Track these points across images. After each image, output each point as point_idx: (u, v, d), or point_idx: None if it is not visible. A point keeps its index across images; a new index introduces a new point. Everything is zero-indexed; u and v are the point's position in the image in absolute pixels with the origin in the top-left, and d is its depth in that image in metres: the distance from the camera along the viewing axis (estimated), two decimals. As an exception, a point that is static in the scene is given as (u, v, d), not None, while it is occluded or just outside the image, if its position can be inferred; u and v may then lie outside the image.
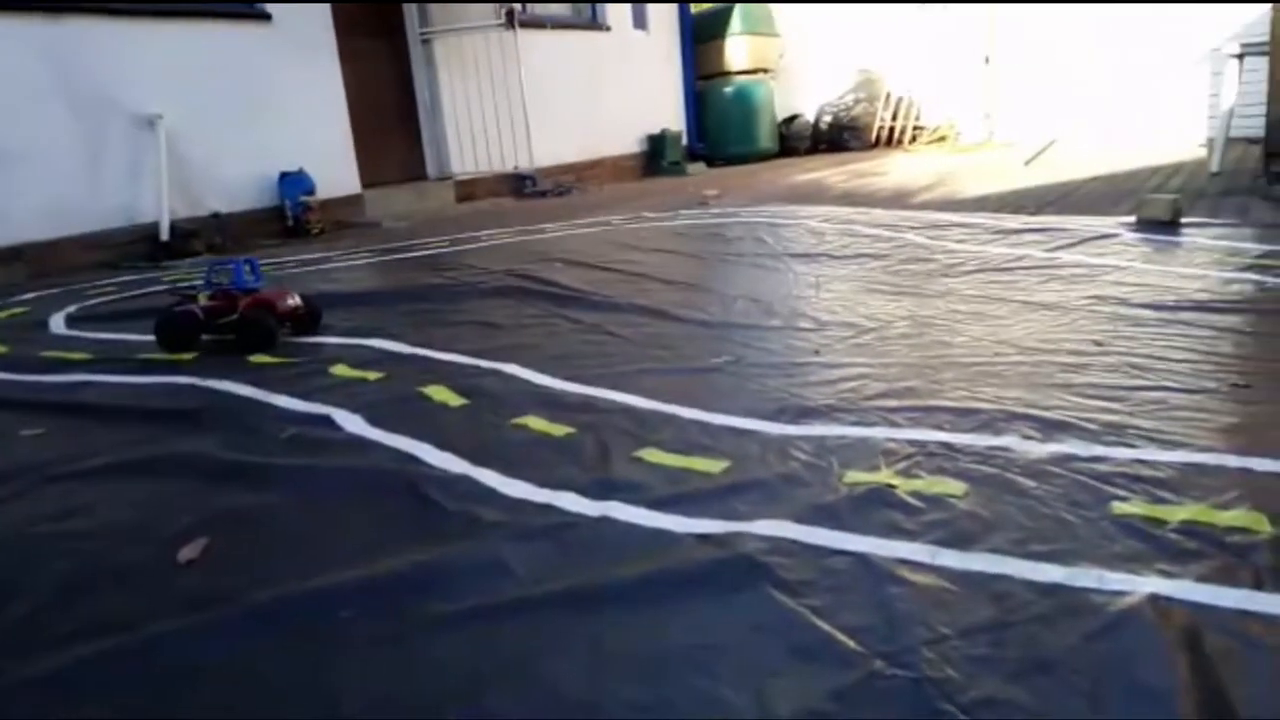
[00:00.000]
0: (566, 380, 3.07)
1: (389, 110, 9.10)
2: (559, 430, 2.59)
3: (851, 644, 1.50)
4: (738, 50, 12.14)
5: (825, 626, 1.56)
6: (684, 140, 11.92)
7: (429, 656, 1.58)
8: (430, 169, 9.48)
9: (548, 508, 2.09)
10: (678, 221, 6.96)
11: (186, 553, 1.98)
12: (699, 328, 3.76)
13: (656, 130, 11.55)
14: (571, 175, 10.31)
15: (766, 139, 12.32)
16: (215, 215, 7.39)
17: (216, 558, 2.00)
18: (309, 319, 3.99)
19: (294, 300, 3.91)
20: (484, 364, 3.34)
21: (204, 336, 3.80)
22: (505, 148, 9.55)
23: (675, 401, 2.81)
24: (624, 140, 11.28)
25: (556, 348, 3.55)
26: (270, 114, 7.72)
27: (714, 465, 2.29)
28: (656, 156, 11.55)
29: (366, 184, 8.53)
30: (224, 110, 7.47)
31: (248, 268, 3.95)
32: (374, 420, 2.74)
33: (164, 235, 6.96)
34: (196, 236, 7.05)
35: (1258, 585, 1.61)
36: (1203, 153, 7.88)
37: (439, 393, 3.00)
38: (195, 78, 7.25)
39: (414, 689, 1.50)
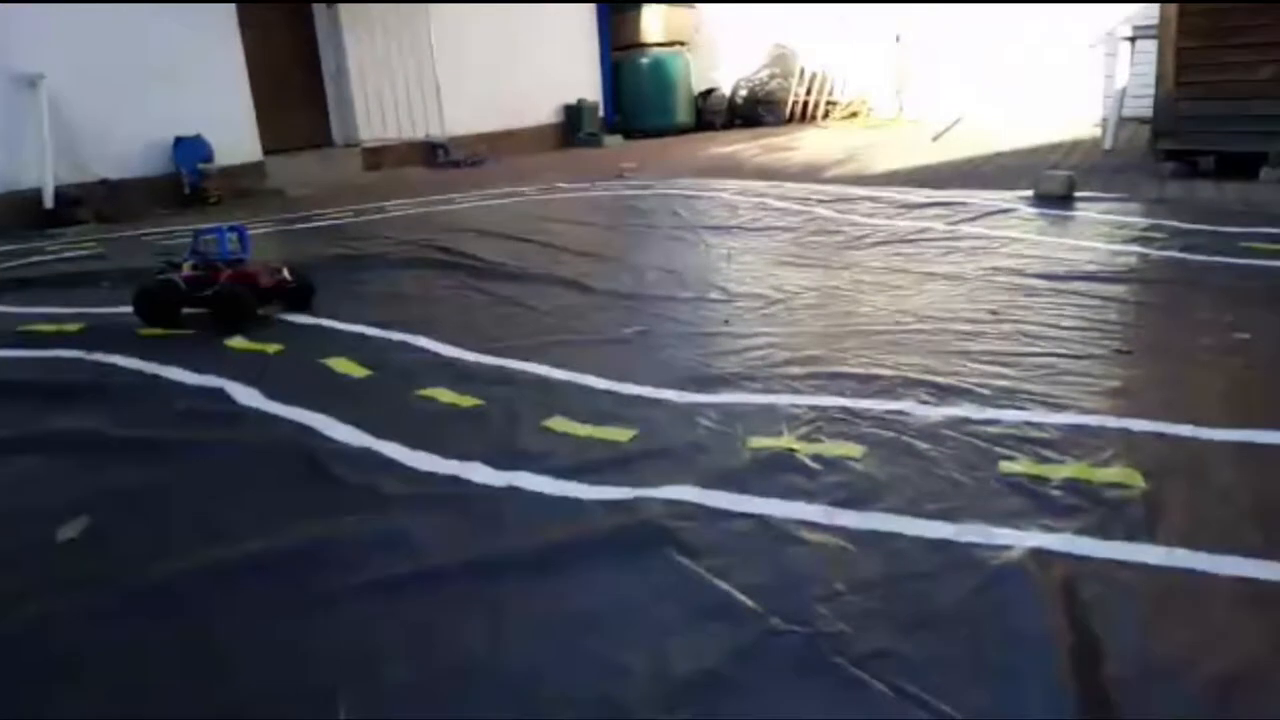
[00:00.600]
0: (477, 352, 3.03)
1: (292, 75, 8.77)
2: (467, 401, 2.56)
3: (749, 603, 1.54)
4: (653, 21, 12.06)
5: (725, 587, 1.59)
6: (600, 112, 11.83)
7: (325, 631, 1.55)
8: (336, 135, 9.18)
9: (453, 479, 2.07)
10: (594, 193, 6.92)
11: (66, 531, 1.89)
12: (612, 299, 3.75)
13: (573, 101, 11.43)
14: (486, 145, 10.12)
15: (683, 112, 12.31)
16: (104, 182, 7.01)
17: (103, 536, 1.92)
18: (300, 294, 3.65)
19: (280, 274, 3.60)
20: (392, 336, 3.27)
21: (185, 310, 3.52)
22: (416, 115, 9.31)
23: (587, 371, 2.80)
24: (540, 110, 11.12)
25: (468, 319, 3.50)
26: (165, 77, 7.34)
27: (622, 434, 2.30)
28: (573, 127, 11.44)
29: (269, 150, 8.21)
30: (114, 72, 7.07)
31: (234, 237, 3.60)
32: (271, 393, 2.66)
33: (48, 203, 6.58)
34: (82, 204, 6.68)
35: (1131, 537, 1.70)
36: (1098, 131, 8.21)
37: (342, 364, 2.92)
38: (82, 38, 6.83)
39: (309, 664, 1.47)
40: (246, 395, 2.67)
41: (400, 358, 3.02)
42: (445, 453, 2.19)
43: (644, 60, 12.00)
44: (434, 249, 4.79)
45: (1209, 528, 1.72)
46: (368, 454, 2.22)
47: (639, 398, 2.58)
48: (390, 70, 9.20)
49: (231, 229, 3.64)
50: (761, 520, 1.83)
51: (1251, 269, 3.53)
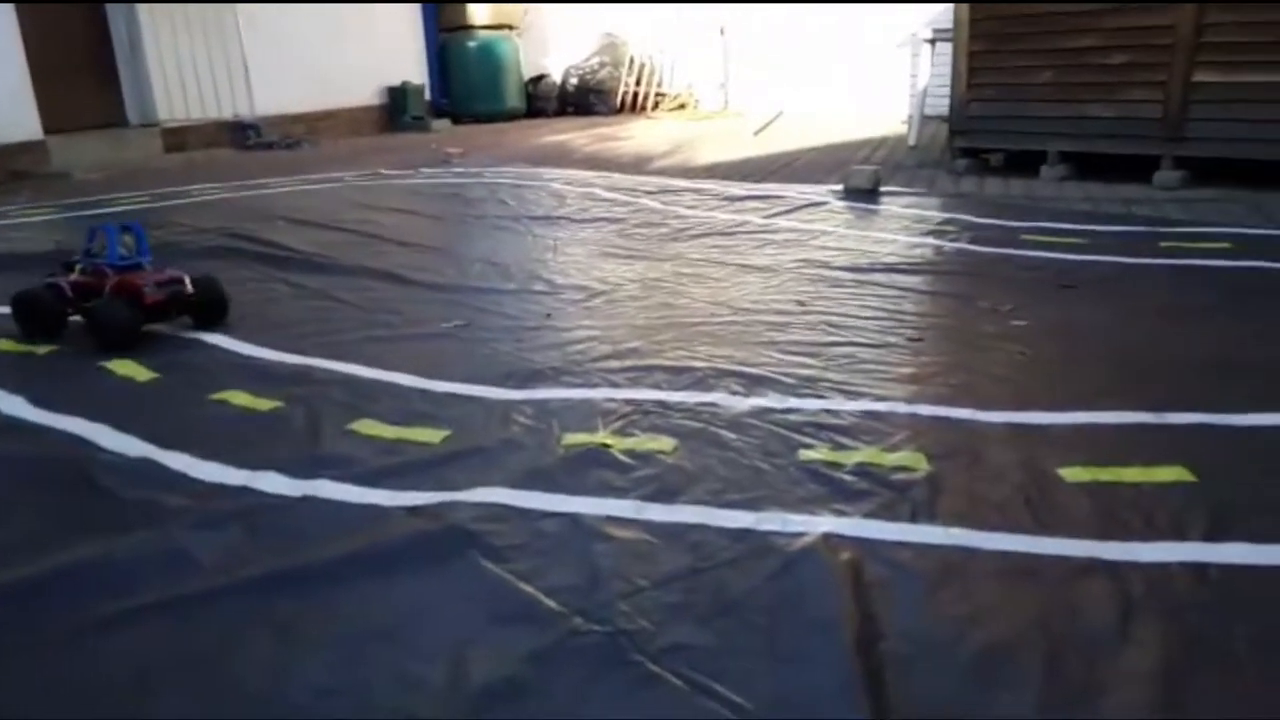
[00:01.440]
0: (280, 350, 2.87)
1: (78, 48, 7.98)
2: (265, 404, 2.42)
3: (553, 605, 1.53)
4: (479, 3, 11.83)
5: (529, 590, 1.57)
6: (427, 95, 11.49)
7: (95, 661, 1.42)
8: (131, 114, 8.44)
9: (244, 490, 1.94)
10: (417, 180, 6.71)
11: None
12: (432, 291, 3.65)
13: (397, 83, 11.03)
14: (303, 126, 9.61)
15: (513, 98, 12.16)
16: None
17: None
18: (205, 307, 3.10)
19: (178, 284, 3.02)
20: (184, 334, 3.04)
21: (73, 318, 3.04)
22: (223, 94, 8.70)
23: (399, 369, 2.71)
24: (362, 91, 10.67)
25: (272, 315, 3.31)
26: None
27: (433, 435, 2.24)
28: (398, 111, 11.05)
29: (51, 129, 7.44)
30: None
31: (126, 237, 3.05)
32: (39, 400, 2.41)
33: None
34: None
35: (913, 518, 1.81)
36: (904, 128, 8.75)
37: (124, 367, 2.69)
38: None
39: (78, 698, 1.34)
40: (10, 404, 2.41)
41: (192, 358, 2.81)
42: (237, 462, 2.06)
43: (471, 43, 11.74)
44: (238, 238, 4.50)
45: (983, 506, 1.86)
46: (149, 466, 2.05)
47: (454, 395, 2.52)
48: (192, 44, 8.54)
49: (125, 228, 3.10)
50: (571, 519, 1.83)
51: (1030, 260, 3.86)
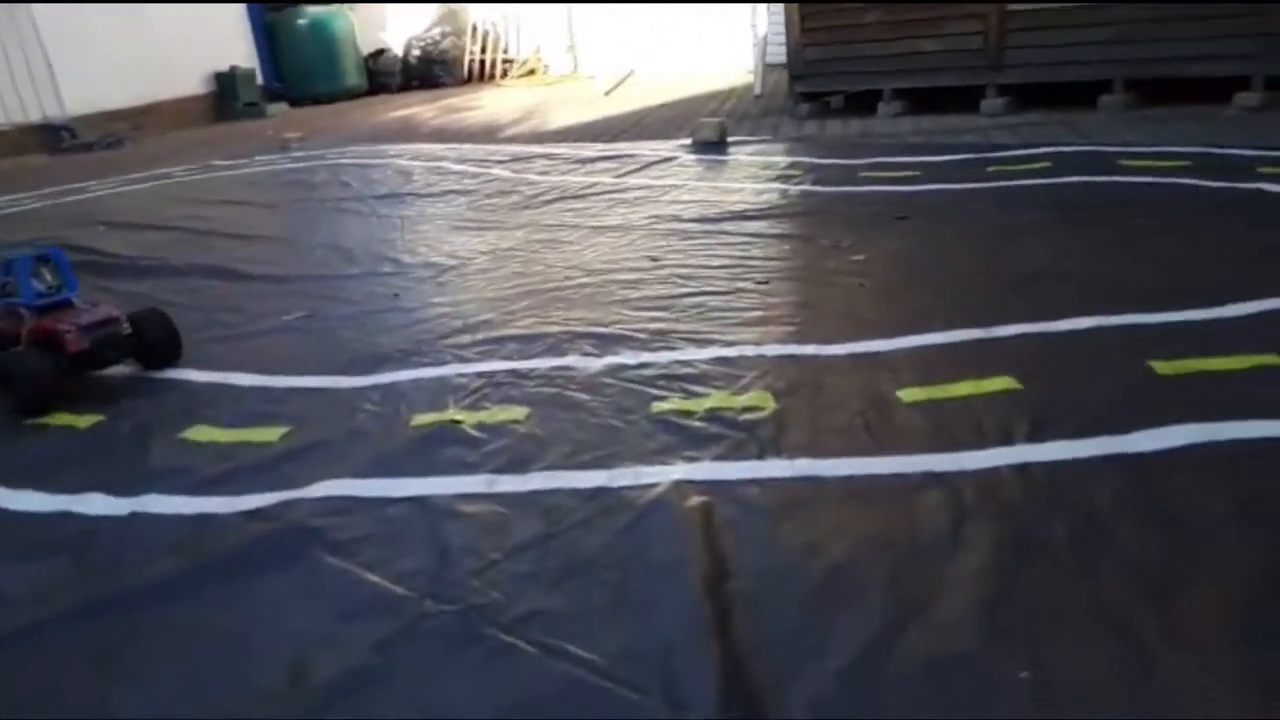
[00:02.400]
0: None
1: None
2: (87, 421, 2.25)
3: (401, 591, 1.49)
4: (306, -23, 11.26)
5: (376, 580, 1.53)
6: (259, 79, 10.87)
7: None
8: (-76, 124, 7.68)
9: (63, 516, 1.81)
10: (253, 169, 6.36)
11: None
12: (271, 284, 3.47)
13: (225, 68, 10.40)
14: (125, 123, 8.94)
15: (353, 75, 11.66)
16: None
17: None
18: (151, 348, 2.57)
19: (106, 328, 2.44)
20: (-7, 357, 2.79)
21: None
22: (26, 95, 7.98)
23: (237, 369, 2.57)
24: (186, 81, 9.99)
25: (93, 326, 3.07)
26: None
27: (271, 433, 2.14)
28: (229, 98, 10.41)
29: None
30: None
31: (44, 270, 2.47)
32: None
33: None
34: None
35: (761, 455, 1.85)
36: (751, 78, 8.86)
37: (-78, 399, 2.45)
38: None
39: None
40: None
41: (3, 382, 2.58)
42: (54, 487, 1.91)
43: (301, 21, 11.16)
44: (55, 247, 4.15)
45: (826, 436, 1.91)
46: (-50, 504, 1.88)
47: (295, 390, 2.42)
48: (-18, 42, 7.79)
49: (42, 257, 2.51)
50: (420, 501, 1.78)
51: (868, 195, 3.97)
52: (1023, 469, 1.70)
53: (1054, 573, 1.42)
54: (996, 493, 1.64)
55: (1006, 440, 1.81)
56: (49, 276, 2.50)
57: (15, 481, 1.95)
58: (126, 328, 2.50)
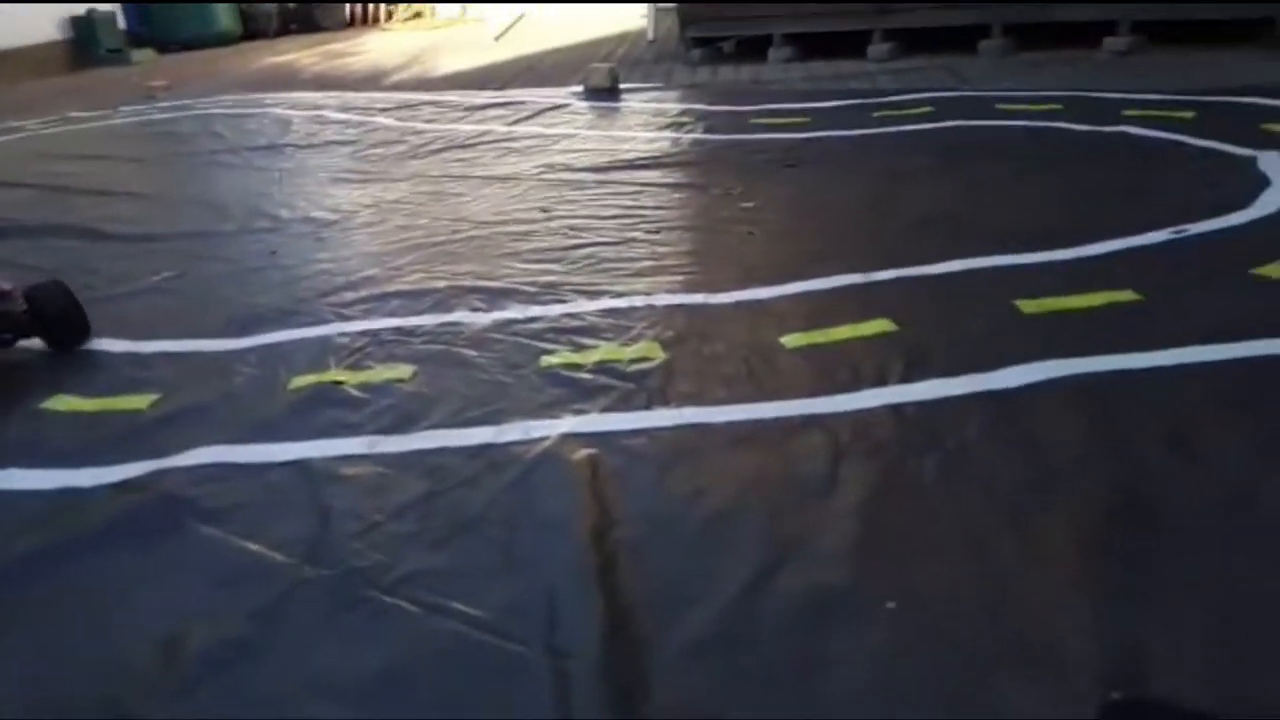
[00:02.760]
0: (-51, 332, 2.48)
1: None
2: (-69, 396, 2.10)
3: (279, 557, 1.45)
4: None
5: (253, 547, 1.48)
6: (122, 22, 10.13)
7: None
8: None
9: (-93, 496, 1.69)
10: (116, 121, 5.96)
11: None
12: (137, 243, 3.28)
13: (81, 11, 9.64)
14: (-31, 72, 8.24)
15: (225, 19, 11.00)
16: None
17: None
18: (50, 325, 2.32)
19: (7, 301, 2.23)
20: None
21: None
22: None
23: (101, 335, 2.43)
24: (34, 25, 9.20)
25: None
26: None
27: (140, 401, 2.03)
28: (88, 44, 9.69)
29: None
30: None
31: None
32: None
33: None
34: None
35: (648, 405, 1.86)
36: (644, 23, 8.75)
37: None
38: None
39: None
40: None
41: None
42: (-104, 467, 1.78)
43: (166, -41, 10.43)
44: (-112, 210, 3.82)
45: (712, 383, 1.94)
46: None
47: (166, 354, 2.30)
48: None
49: None
50: (300, 465, 1.73)
51: (758, 143, 4.00)
52: (897, 408, 1.76)
53: (923, 506, 1.48)
54: (871, 432, 1.69)
55: (881, 381, 1.86)
56: None
57: None
58: (21, 304, 2.25)
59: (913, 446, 1.63)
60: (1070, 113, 3.80)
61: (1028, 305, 2.11)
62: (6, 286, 2.27)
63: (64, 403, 2.05)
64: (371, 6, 11.80)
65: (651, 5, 7.92)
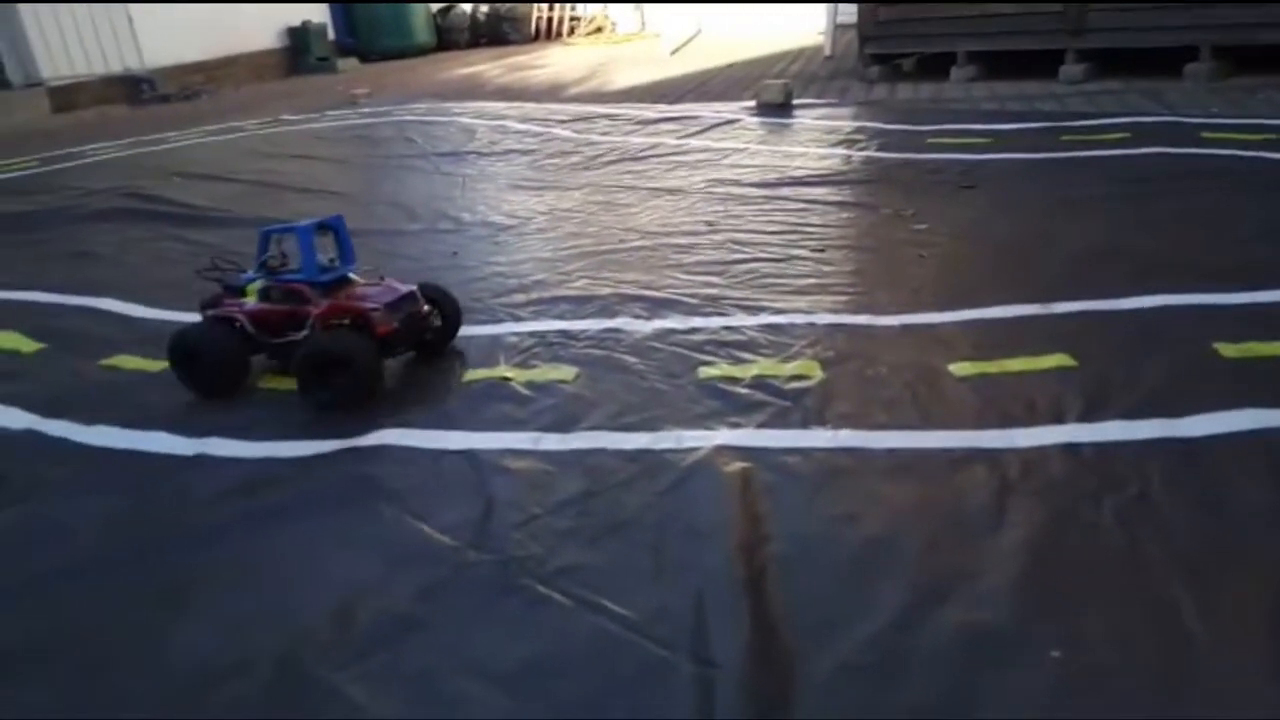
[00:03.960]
0: (173, 309, 2.77)
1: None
2: (156, 366, 2.35)
3: (446, 540, 1.54)
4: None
5: (425, 529, 1.58)
6: (331, 34, 11.02)
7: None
8: (13, 75, 7.96)
9: (132, 454, 1.90)
10: (322, 124, 6.48)
11: None
12: (335, 238, 3.55)
13: (297, 23, 10.56)
14: (202, 76, 9.18)
15: (422, 32, 11.75)
16: None
17: None
18: (440, 331, 2.31)
19: (408, 306, 2.15)
20: (72, 300, 2.93)
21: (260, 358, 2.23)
22: (107, 46, 8.22)
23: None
24: (261, 34, 10.18)
25: (164, 274, 3.19)
26: None
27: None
28: (301, 52, 10.60)
29: (-78, 95, 7.02)
30: None
31: (326, 238, 2.19)
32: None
33: None
34: None
35: (804, 424, 1.85)
36: (821, 39, 8.67)
37: (8, 339, 2.58)
38: None
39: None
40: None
41: (80, 324, 2.71)
42: (127, 425, 2.01)
43: (373, -23, 11.24)
44: (132, 197, 4.31)
45: (872, 407, 1.90)
46: (32, 437, 2.00)
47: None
48: (68, -5, 8.04)
49: (322, 225, 2.19)
50: (470, 455, 1.83)
51: (933, 162, 3.88)
52: (1073, 448, 1.67)
53: (1096, 554, 1.40)
54: (1043, 471, 1.61)
55: (1058, 419, 1.77)
56: (336, 245, 2.23)
57: (89, 419, 2.05)
58: (425, 306, 2.23)
59: (1087, 490, 1.55)
60: (1289, 142, 3.48)
61: (1228, 349, 1.95)
62: (413, 288, 2.20)
63: (281, 382, 2.22)
64: (556, 21, 12.27)
65: (831, 20, 7.82)
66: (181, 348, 2.13)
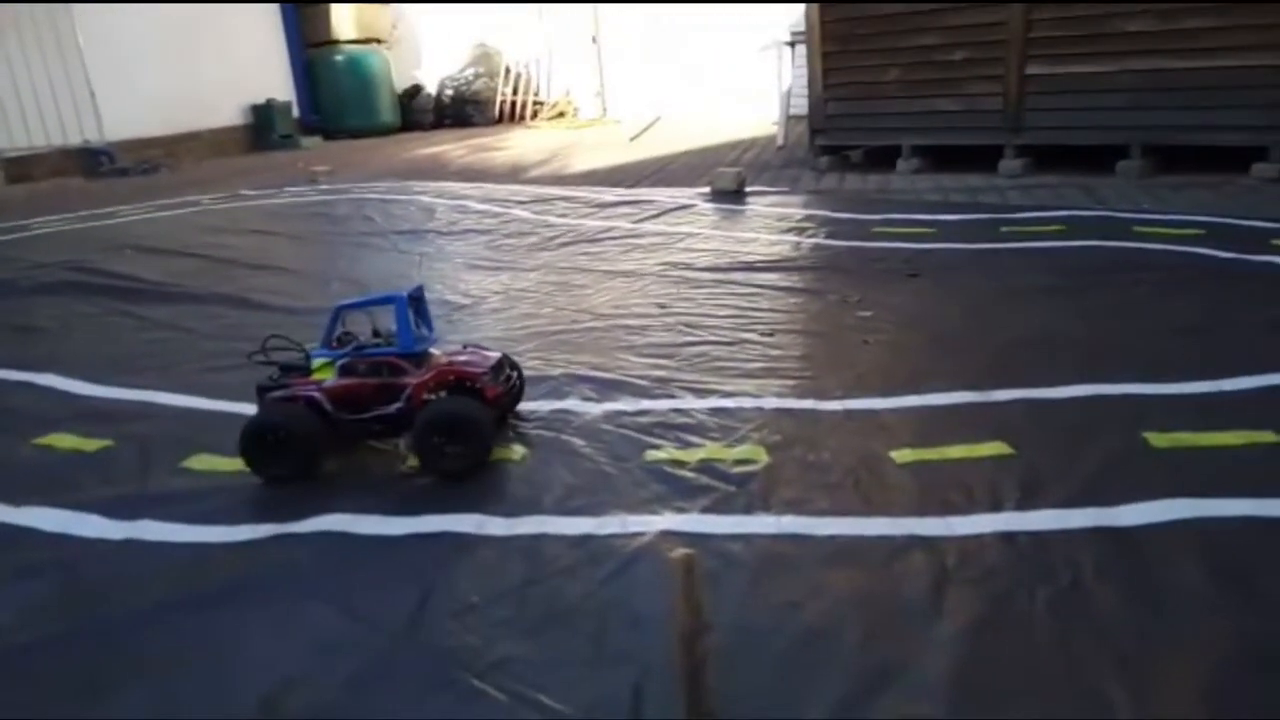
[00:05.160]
0: (116, 385, 2.74)
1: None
2: (93, 445, 2.30)
3: (380, 629, 1.50)
4: (343, 17, 11.59)
5: (358, 617, 1.54)
6: (295, 112, 11.17)
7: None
8: (-32, 145, 7.93)
9: (59, 537, 1.84)
10: (280, 200, 6.51)
11: None
12: (286, 315, 3.54)
13: (261, 100, 10.69)
14: (160, 150, 9.19)
15: (387, 112, 11.96)
16: None
17: None
18: (512, 396, 2.34)
19: (504, 371, 2.24)
20: (12, 376, 2.87)
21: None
22: (67, 119, 8.23)
23: (247, 400, 2.61)
24: (224, 111, 10.28)
25: (111, 349, 3.15)
26: None
27: (276, 463, 2.17)
28: (265, 129, 10.71)
29: (-127, 163, 6.93)
30: None
31: (416, 309, 2.19)
32: None
33: None
34: None
35: (748, 510, 1.86)
36: (775, 129, 8.98)
37: (-62, 416, 2.52)
38: None
39: None
40: None
41: (18, 400, 2.65)
42: (57, 506, 1.95)
43: (339, 57, 11.48)
44: (80, 270, 4.27)
45: (815, 493, 1.92)
46: (-46, 520, 1.93)
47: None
48: (29, 65, 8.06)
49: (415, 296, 2.19)
50: (408, 540, 1.80)
51: (879, 251, 4.01)
52: (1009, 537, 1.70)
53: (1030, 645, 1.41)
54: (980, 559, 1.64)
55: (995, 506, 1.81)
56: (417, 314, 2.20)
57: (15, 500, 1.99)
58: (514, 376, 2.31)
59: (1023, 579, 1.57)
60: (1213, 239, 3.66)
61: (1157, 439, 2.01)
62: (496, 354, 2.24)
63: (204, 461, 2.21)
64: (519, 105, 12.56)
65: (784, 111, 8.12)
66: (264, 435, 2.05)
